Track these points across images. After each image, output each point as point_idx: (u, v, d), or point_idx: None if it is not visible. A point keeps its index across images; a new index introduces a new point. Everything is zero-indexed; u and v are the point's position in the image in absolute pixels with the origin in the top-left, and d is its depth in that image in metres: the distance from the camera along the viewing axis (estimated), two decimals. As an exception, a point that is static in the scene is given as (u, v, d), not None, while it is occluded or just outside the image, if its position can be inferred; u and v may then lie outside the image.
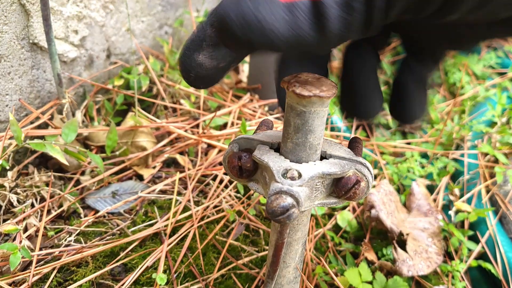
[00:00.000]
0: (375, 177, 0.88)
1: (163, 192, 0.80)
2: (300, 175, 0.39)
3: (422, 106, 0.43)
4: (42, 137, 0.75)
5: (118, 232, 0.72)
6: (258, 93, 1.07)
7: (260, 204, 0.78)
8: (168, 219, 0.72)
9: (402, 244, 0.72)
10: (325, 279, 0.66)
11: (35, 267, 0.63)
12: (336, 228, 0.77)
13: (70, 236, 0.70)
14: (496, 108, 1.00)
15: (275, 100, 1.00)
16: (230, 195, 0.78)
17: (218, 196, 0.78)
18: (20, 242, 0.66)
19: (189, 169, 0.84)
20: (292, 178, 0.39)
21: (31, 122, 0.77)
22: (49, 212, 0.73)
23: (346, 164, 0.41)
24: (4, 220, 0.69)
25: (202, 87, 0.40)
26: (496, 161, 0.92)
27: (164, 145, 0.88)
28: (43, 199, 0.74)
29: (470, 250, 0.75)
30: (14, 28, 0.70)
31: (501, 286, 0.70)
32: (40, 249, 0.67)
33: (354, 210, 0.80)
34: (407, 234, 0.73)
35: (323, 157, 0.42)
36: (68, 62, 0.83)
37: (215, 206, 0.76)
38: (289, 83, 0.36)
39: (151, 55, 1.02)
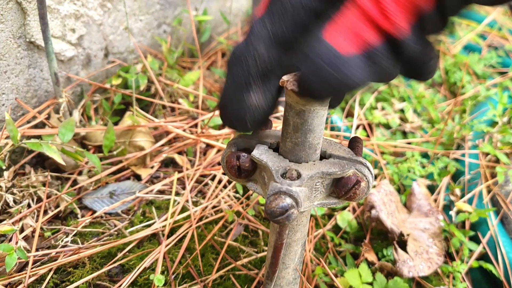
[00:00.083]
0: (375, 177, 0.87)
1: (161, 192, 0.79)
2: (299, 175, 0.38)
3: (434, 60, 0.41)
4: (39, 137, 0.75)
5: (116, 232, 0.71)
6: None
7: (259, 204, 0.77)
8: (166, 219, 0.71)
9: (403, 245, 0.71)
10: (325, 280, 0.65)
11: (32, 268, 0.62)
12: (336, 229, 0.77)
13: (67, 236, 0.69)
14: (497, 107, 1.00)
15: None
16: (229, 195, 0.78)
17: (216, 196, 0.77)
18: (16, 242, 0.65)
19: (187, 169, 0.83)
20: (291, 178, 0.38)
21: (28, 122, 0.76)
22: (45, 212, 0.72)
23: (346, 164, 0.40)
24: (0, 221, 0.69)
25: (256, 129, 0.39)
26: (497, 161, 0.91)
27: (162, 145, 0.87)
28: (39, 199, 0.73)
29: (471, 251, 0.74)
30: (10, 26, 0.69)
31: (502, 287, 0.69)
32: (37, 250, 0.66)
33: (354, 210, 0.80)
34: (408, 235, 0.72)
35: (322, 156, 0.42)
36: (65, 61, 0.82)
37: (214, 207, 0.75)
38: (288, 82, 0.36)
39: (149, 54, 1.01)
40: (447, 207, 0.83)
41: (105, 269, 0.64)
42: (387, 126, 1.06)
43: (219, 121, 0.92)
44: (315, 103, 0.36)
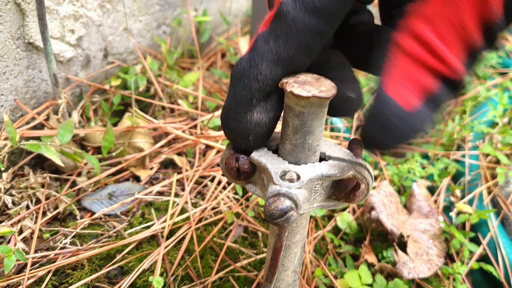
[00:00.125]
0: (375, 178, 0.87)
1: (160, 193, 0.79)
2: (298, 177, 0.38)
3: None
4: (37, 138, 0.74)
5: (115, 234, 0.71)
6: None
7: (258, 205, 0.77)
8: (165, 221, 0.71)
9: (403, 246, 0.71)
10: (325, 282, 0.65)
11: (30, 270, 0.62)
12: (336, 230, 0.76)
13: (65, 238, 0.69)
14: (497, 108, 0.99)
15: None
16: (228, 197, 0.78)
17: (216, 198, 0.77)
18: (15, 244, 0.65)
19: (186, 170, 0.83)
20: (291, 180, 0.38)
21: (27, 123, 0.76)
22: (44, 214, 0.72)
23: (345, 166, 0.40)
24: (-1, 222, 0.68)
25: (260, 145, 0.39)
26: (497, 162, 0.91)
27: (162, 146, 0.87)
28: (38, 201, 0.73)
29: (471, 252, 0.74)
30: (9, 27, 0.69)
31: (503, 288, 0.69)
32: (35, 251, 0.66)
33: (354, 211, 0.79)
34: (408, 236, 0.72)
35: (322, 158, 0.41)
36: (64, 62, 0.82)
37: (213, 208, 0.75)
38: (287, 83, 0.35)
39: (148, 55, 1.01)
40: (447, 208, 0.83)
41: (104, 271, 0.63)
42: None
43: (218, 122, 0.92)
44: (315, 105, 0.36)
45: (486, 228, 0.76)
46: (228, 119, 0.36)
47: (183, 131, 0.88)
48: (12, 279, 0.60)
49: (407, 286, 0.64)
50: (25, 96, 0.76)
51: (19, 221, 0.69)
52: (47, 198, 0.73)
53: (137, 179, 0.82)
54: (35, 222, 0.70)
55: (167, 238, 0.69)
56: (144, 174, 0.82)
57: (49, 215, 0.71)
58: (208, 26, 1.19)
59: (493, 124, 1.03)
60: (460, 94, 0.33)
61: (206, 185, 0.81)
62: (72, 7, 0.80)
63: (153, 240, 0.70)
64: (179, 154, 0.88)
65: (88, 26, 0.85)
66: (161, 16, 1.05)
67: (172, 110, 0.97)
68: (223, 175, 0.80)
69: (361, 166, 0.40)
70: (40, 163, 0.80)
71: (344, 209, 0.79)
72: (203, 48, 1.22)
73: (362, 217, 0.78)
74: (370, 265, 0.70)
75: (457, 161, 0.93)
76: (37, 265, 0.64)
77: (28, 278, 0.61)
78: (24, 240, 0.68)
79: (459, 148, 0.98)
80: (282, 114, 0.39)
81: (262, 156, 0.40)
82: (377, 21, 0.43)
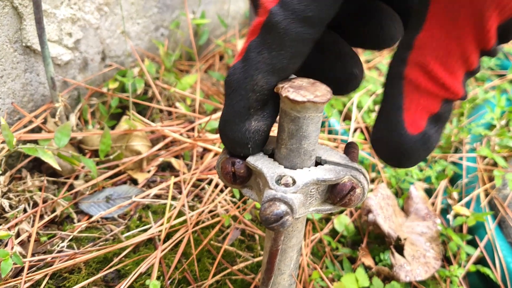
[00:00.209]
0: (373, 180, 0.87)
1: (157, 196, 0.79)
2: (294, 182, 0.38)
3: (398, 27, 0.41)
4: (35, 141, 0.74)
5: (112, 237, 0.71)
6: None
7: (255, 208, 0.77)
8: (162, 224, 0.71)
9: (400, 249, 0.71)
10: (322, 285, 0.65)
11: (27, 274, 0.62)
12: (333, 233, 0.76)
13: (63, 241, 0.69)
14: (495, 110, 1.00)
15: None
16: (225, 200, 0.78)
17: (213, 201, 0.77)
18: (12, 248, 0.65)
19: (184, 173, 0.83)
20: (286, 185, 0.38)
21: (24, 126, 0.76)
22: (42, 217, 0.72)
23: (341, 170, 0.40)
24: (-4, 226, 0.68)
25: (258, 151, 0.40)
26: (495, 164, 0.91)
27: (159, 149, 0.87)
28: (36, 204, 0.73)
29: (468, 255, 0.74)
30: (6, 31, 0.69)
31: (500, 291, 0.69)
32: (32, 255, 0.66)
33: (351, 214, 0.80)
34: (405, 239, 0.72)
35: (318, 163, 0.41)
36: (62, 65, 0.82)
37: (210, 211, 0.75)
38: (283, 88, 0.35)
39: (146, 58, 1.01)
40: (445, 211, 0.83)
41: (101, 274, 0.63)
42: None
43: (216, 125, 0.92)
44: (310, 109, 0.36)
45: (483, 230, 0.76)
46: (226, 130, 0.36)
47: (181, 134, 0.88)
48: (9, 282, 0.60)
49: (404, 289, 0.64)
50: (22, 99, 0.76)
51: (16, 224, 0.69)
52: (44, 201, 0.73)
53: (134, 182, 0.82)
54: (32, 226, 0.69)
55: (164, 241, 0.69)
56: (141, 177, 0.82)
57: (46, 218, 0.71)
58: (206, 28, 1.19)
59: (490, 127, 1.04)
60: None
61: (203, 188, 0.81)
62: (69, 10, 0.80)
63: (150, 243, 0.70)
64: (176, 157, 0.88)
65: (85, 29, 0.85)
66: (159, 19, 1.05)
67: (169, 113, 0.98)
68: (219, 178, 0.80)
69: (356, 171, 0.40)
70: (38, 166, 0.80)
71: (341, 212, 0.79)
72: (201, 50, 1.22)
73: (359, 219, 0.78)
74: (367, 268, 0.70)
75: (454, 163, 0.93)
76: (34, 268, 0.64)
77: (25, 282, 0.61)
78: (21, 244, 0.68)
79: (457, 150, 0.98)
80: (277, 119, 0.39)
81: (258, 161, 0.40)
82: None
